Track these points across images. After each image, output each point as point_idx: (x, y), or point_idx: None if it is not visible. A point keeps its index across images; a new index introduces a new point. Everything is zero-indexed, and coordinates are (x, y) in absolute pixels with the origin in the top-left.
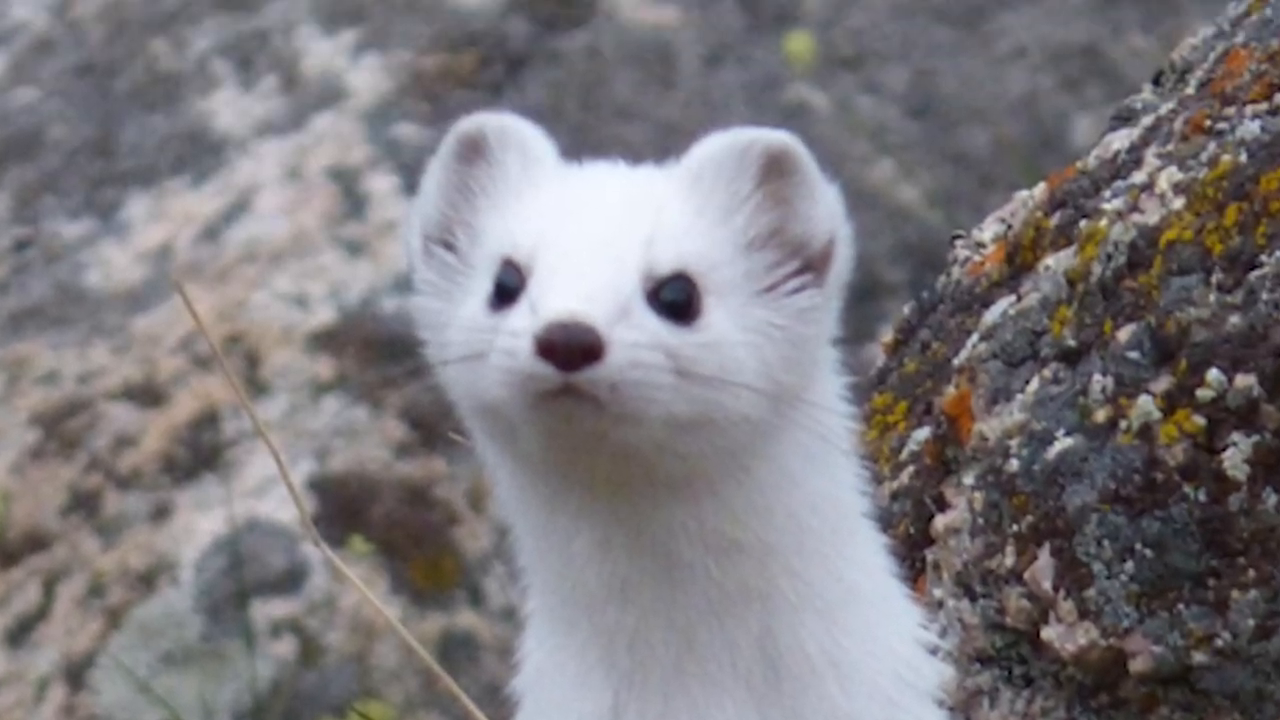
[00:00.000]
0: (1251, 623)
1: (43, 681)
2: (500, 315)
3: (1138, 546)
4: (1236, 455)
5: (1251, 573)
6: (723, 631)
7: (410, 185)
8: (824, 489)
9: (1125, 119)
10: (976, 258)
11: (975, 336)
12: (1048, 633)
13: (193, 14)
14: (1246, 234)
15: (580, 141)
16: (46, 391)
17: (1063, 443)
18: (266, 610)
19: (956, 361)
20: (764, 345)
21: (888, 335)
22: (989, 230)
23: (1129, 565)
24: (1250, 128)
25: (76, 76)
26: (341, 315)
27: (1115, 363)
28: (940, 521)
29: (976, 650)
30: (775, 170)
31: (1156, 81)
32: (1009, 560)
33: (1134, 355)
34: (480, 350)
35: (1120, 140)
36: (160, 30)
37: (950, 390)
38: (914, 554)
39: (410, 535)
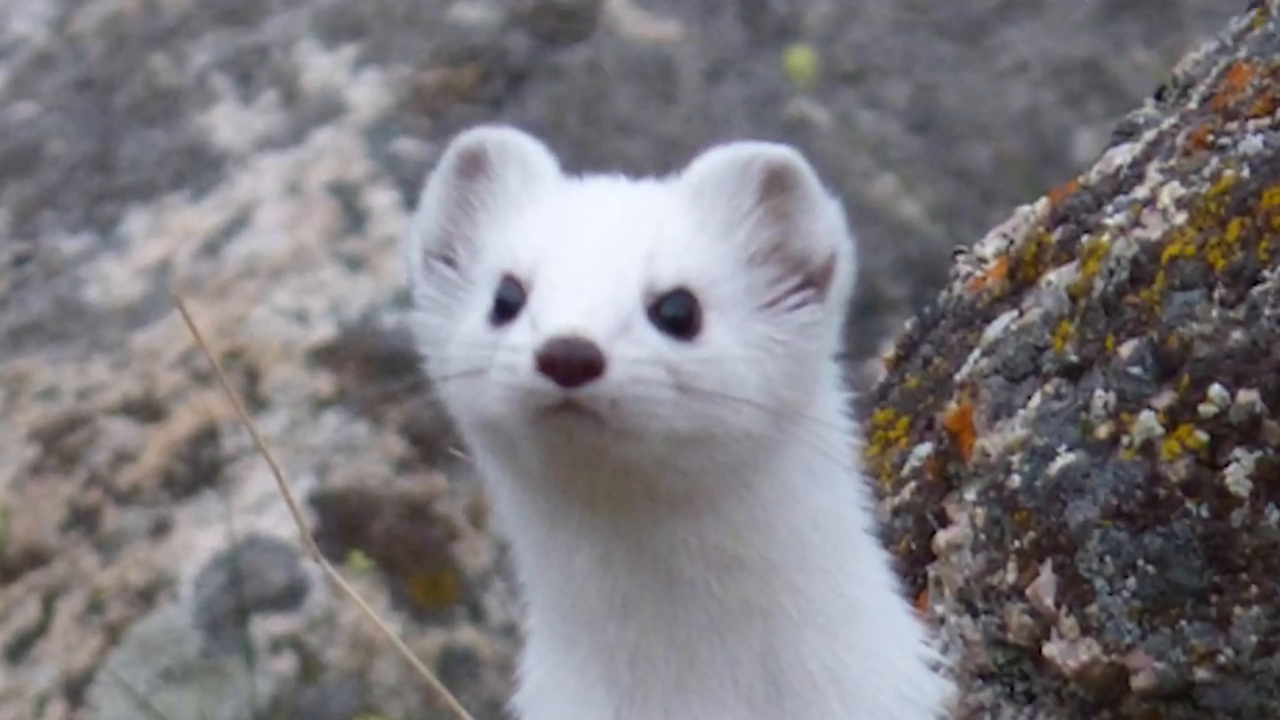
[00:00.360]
0: (1254, 639)
1: (42, 698)
2: (501, 331)
3: (1140, 562)
4: (1239, 471)
5: (1254, 589)
6: (724, 648)
7: (410, 200)
8: (826, 505)
9: (1127, 134)
10: (978, 273)
11: (977, 352)
12: (1050, 649)
13: (192, 29)
14: (1249, 249)
15: (581, 156)
16: (46, 407)
17: (1065, 458)
18: (266, 626)
19: (958, 377)
20: (765, 360)
21: (889, 351)
22: (991, 245)
23: (1131, 581)
24: (1253, 143)
25: (76, 91)
26: (341, 331)
27: (1117, 378)
28: (942, 537)
29: (978, 666)
30: (776, 185)
31: (1159, 96)
32: (1011, 576)
33: (1136, 371)
34: (480, 366)
35: (1122, 155)
36: (160, 45)
37: (952, 406)
38: (916, 570)
39: (410, 551)
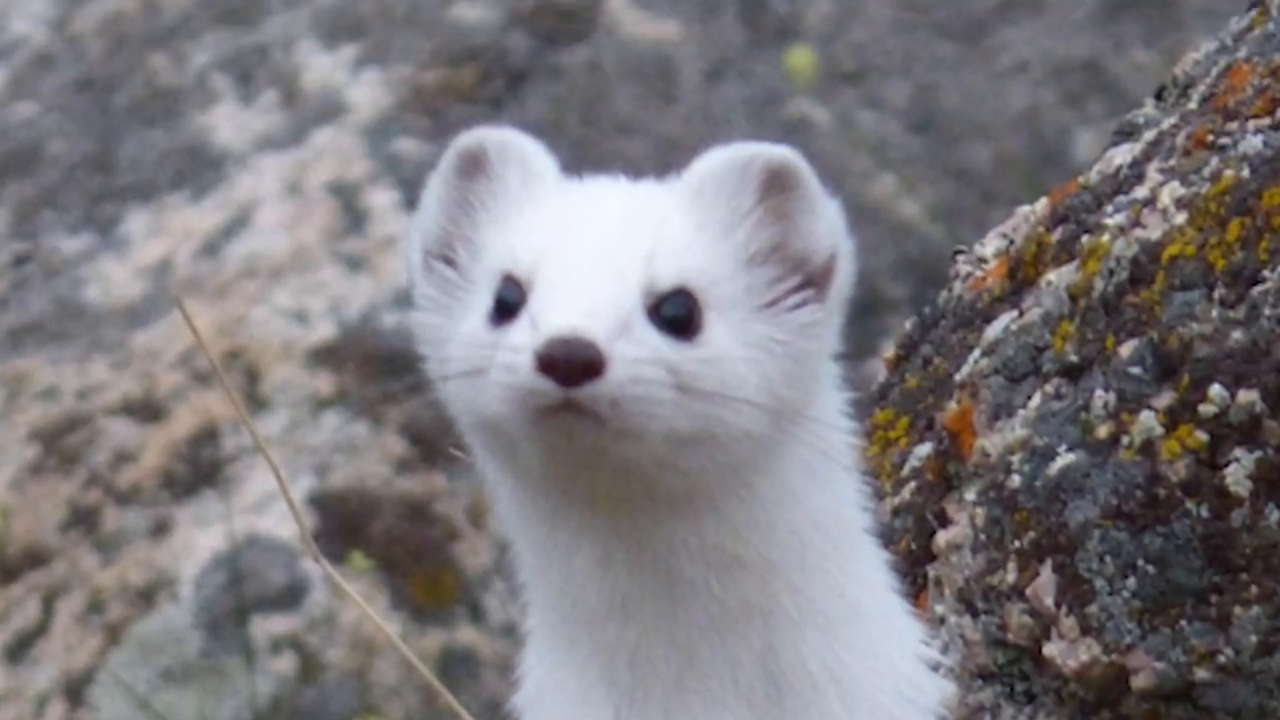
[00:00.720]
0: (1254, 639)
1: (42, 698)
2: (501, 331)
3: (1140, 562)
4: (1239, 471)
5: (1254, 589)
6: (724, 648)
7: (410, 200)
8: (826, 505)
9: (1127, 134)
10: (978, 273)
11: (977, 352)
12: (1049, 649)
13: (192, 29)
14: (1249, 249)
15: (581, 156)
16: (46, 407)
17: (1065, 458)
18: (266, 626)
19: (958, 377)
20: (765, 360)
21: (889, 351)
22: (991, 245)
23: (1131, 581)
24: (1253, 142)
25: (76, 91)
26: (341, 330)
27: (1117, 378)
28: (942, 537)
29: (978, 666)
30: (776, 185)
31: (1159, 96)
32: (1011, 576)
33: (1136, 371)
34: (480, 366)
35: (1122, 155)
36: (160, 45)
37: (952, 406)
38: (916, 570)
39: (410, 551)
